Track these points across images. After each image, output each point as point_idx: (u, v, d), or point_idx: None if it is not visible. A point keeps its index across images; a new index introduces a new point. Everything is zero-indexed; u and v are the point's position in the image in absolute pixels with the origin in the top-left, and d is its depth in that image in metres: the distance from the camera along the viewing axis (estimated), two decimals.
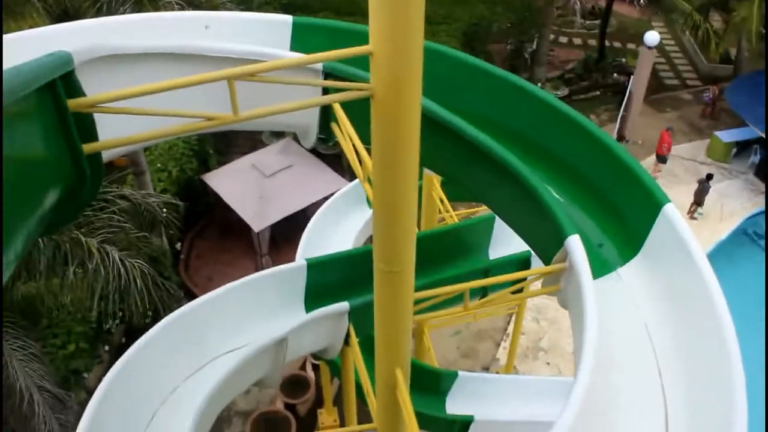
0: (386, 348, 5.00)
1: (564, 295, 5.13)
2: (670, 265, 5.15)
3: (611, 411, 4.72)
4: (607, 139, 5.64)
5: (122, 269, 9.33)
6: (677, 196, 18.98)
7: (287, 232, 17.50)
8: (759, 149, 20.46)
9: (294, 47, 6.49)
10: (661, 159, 20.00)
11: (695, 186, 19.09)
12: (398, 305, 4.54)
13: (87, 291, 9.31)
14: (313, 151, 18.38)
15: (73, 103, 3.37)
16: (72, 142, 3.47)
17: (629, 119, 19.84)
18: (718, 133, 21.12)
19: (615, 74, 25.24)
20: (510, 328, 14.46)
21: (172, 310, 7.30)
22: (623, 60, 26.05)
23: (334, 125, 5.68)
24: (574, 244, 4.78)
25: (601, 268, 5.40)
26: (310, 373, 14.09)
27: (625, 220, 5.56)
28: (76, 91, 3.53)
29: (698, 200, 18.76)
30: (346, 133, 4.92)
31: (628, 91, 19.81)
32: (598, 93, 24.45)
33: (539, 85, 23.62)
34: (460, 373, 10.22)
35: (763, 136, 18.70)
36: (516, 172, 5.07)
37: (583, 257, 4.71)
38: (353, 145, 4.64)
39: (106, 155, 4.78)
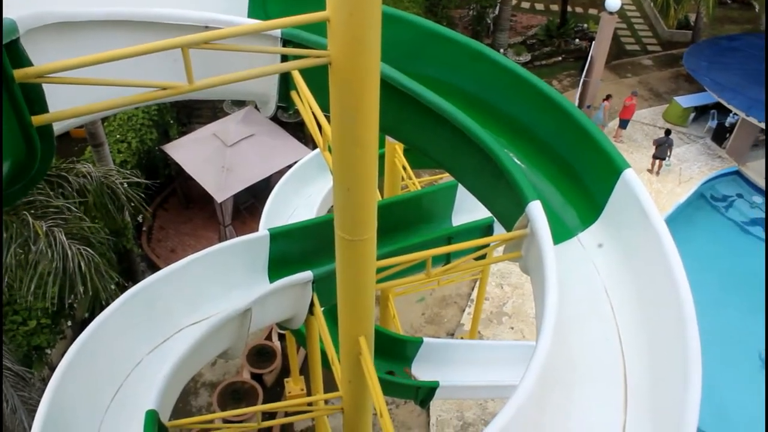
0: (350, 317, 5.00)
1: (526, 261, 5.16)
2: (629, 229, 5.20)
3: (572, 375, 4.79)
4: (567, 105, 5.64)
5: (69, 252, 9.13)
6: (638, 160, 19.31)
7: (250, 202, 17.41)
8: (716, 114, 20.78)
9: (252, 14, 6.36)
10: (624, 124, 20.24)
11: (669, 166, 19.41)
12: (361, 274, 4.52)
13: (30, 270, 9.11)
14: (275, 119, 18.19)
15: (19, 73, 3.24)
16: (20, 114, 3.34)
17: (591, 85, 19.95)
18: (677, 99, 21.39)
19: (577, 40, 25.34)
20: (474, 294, 14.62)
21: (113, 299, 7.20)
22: (585, 26, 26.13)
23: (293, 93, 5.60)
24: (535, 210, 4.80)
25: (561, 233, 5.44)
26: (276, 343, 14.10)
27: (586, 185, 5.59)
28: (22, 60, 3.39)
29: (661, 155, 19.14)
30: (305, 101, 4.85)
31: (589, 57, 19.88)
32: (560, 59, 24.53)
33: (501, 51, 23.59)
34: (425, 339, 10.32)
35: (721, 101, 18.97)
36: (477, 139, 5.05)
37: (543, 223, 4.73)
38: (313, 113, 4.58)
39: (59, 127, 4.65)
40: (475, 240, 5.35)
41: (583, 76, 20.06)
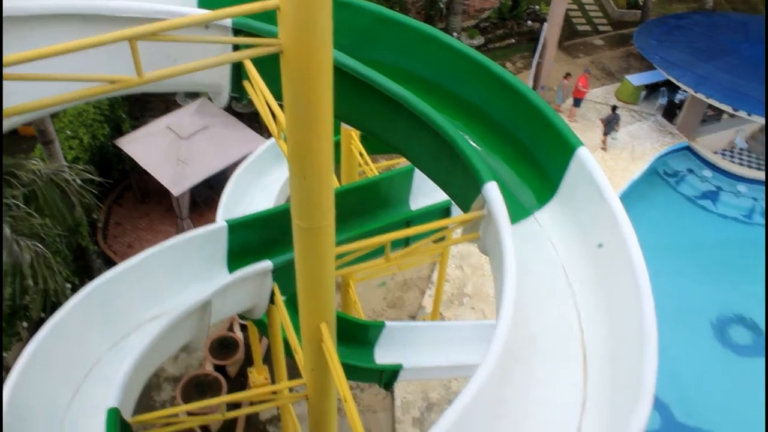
0: (310, 304, 5.00)
1: (484, 241, 5.22)
2: (584, 206, 5.29)
3: (532, 352, 4.86)
4: (520, 86, 5.69)
5: (17, 248, 8.92)
6: (592, 139, 19.60)
7: (207, 195, 17.20)
8: (666, 91, 21.17)
9: (202, 4, 6.26)
10: (577, 102, 20.53)
11: (616, 140, 19.79)
12: (320, 261, 4.52)
13: None
14: (230, 110, 17.96)
15: None
16: None
17: (544, 66, 20.13)
18: (628, 77, 21.71)
19: (529, 22, 25.49)
20: (435, 277, 14.72)
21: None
22: (537, 7, 26.30)
23: (246, 83, 5.55)
24: (491, 190, 4.85)
25: (518, 212, 5.51)
26: (239, 334, 14.02)
27: (541, 164, 5.66)
28: None
29: (608, 131, 19.55)
30: (258, 90, 4.81)
31: (541, 39, 20.05)
32: (513, 41, 24.66)
33: (455, 34, 23.62)
34: (387, 323, 10.36)
35: (670, 78, 19.33)
36: (432, 123, 5.07)
37: (500, 204, 4.78)
38: (267, 103, 4.54)
39: (6, 124, 4.53)
40: (434, 222, 5.38)
41: (536, 57, 20.22)
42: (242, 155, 14.99)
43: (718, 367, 14.73)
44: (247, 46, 3.62)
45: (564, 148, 5.32)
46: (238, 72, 5.49)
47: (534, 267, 5.20)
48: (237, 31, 5.22)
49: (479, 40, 23.95)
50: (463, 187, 5.20)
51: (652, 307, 4.44)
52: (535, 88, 20.52)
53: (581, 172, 5.22)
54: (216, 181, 15.97)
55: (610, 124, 19.39)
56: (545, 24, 19.87)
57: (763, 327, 15.50)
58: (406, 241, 7.73)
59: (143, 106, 19.54)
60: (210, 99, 16.03)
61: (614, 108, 19.67)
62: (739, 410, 13.82)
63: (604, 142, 19.72)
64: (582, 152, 5.22)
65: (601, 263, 5.04)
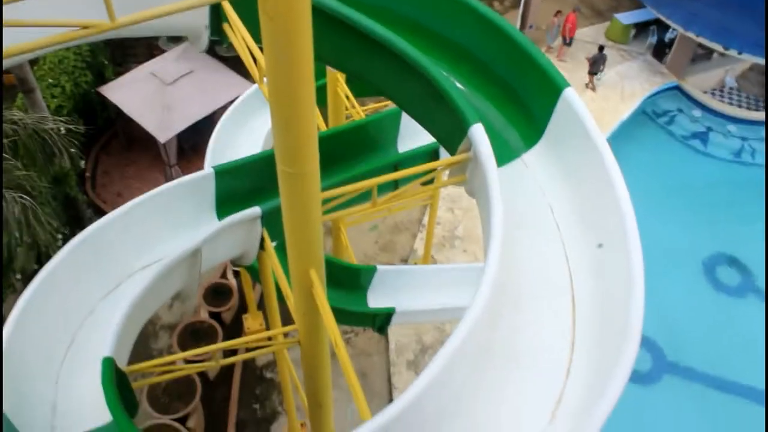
0: (298, 250, 4.99)
1: (471, 184, 5.20)
2: (571, 147, 5.26)
3: (521, 293, 4.91)
4: (506, 26, 5.60)
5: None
6: (581, 79, 19.45)
7: (195, 141, 17.06)
8: (656, 30, 20.91)
9: None
10: (566, 41, 20.28)
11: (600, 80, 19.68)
12: (306, 207, 4.49)
13: None
14: (215, 54, 17.67)
15: None
16: None
17: (532, 4, 19.80)
18: (617, 16, 21.43)
19: None
20: (426, 220, 14.75)
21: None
22: None
23: (226, 26, 5.43)
24: (477, 132, 4.80)
25: (506, 154, 5.48)
26: (232, 281, 14.09)
27: (527, 106, 5.61)
28: None
29: (594, 70, 19.44)
30: (238, 33, 4.71)
31: None
32: None
33: None
34: (379, 267, 10.41)
35: (660, 17, 19.06)
36: (416, 64, 4.99)
37: (486, 146, 4.75)
38: (247, 46, 4.45)
39: None
40: (421, 165, 5.35)
41: None
42: (228, 100, 14.84)
43: (707, 307, 14.96)
44: None
45: (550, 90, 5.26)
46: (217, 15, 5.37)
47: (521, 209, 5.21)
48: None
49: None
50: (449, 130, 5.14)
51: (638, 247, 4.46)
52: (523, 27, 20.23)
53: (568, 114, 5.18)
54: (203, 126, 15.82)
55: (596, 63, 19.27)
56: None
57: (750, 265, 15.68)
58: (394, 185, 7.70)
59: (125, 51, 19.19)
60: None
61: (601, 47, 19.51)
62: (728, 349, 14.11)
63: (590, 81, 19.58)
64: (569, 93, 5.16)
65: (589, 204, 5.05)
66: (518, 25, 20.30)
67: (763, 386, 13.28)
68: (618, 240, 4.60)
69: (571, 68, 20.00)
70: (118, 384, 5.44)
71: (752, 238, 16.15)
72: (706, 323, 14.64)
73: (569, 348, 4.67)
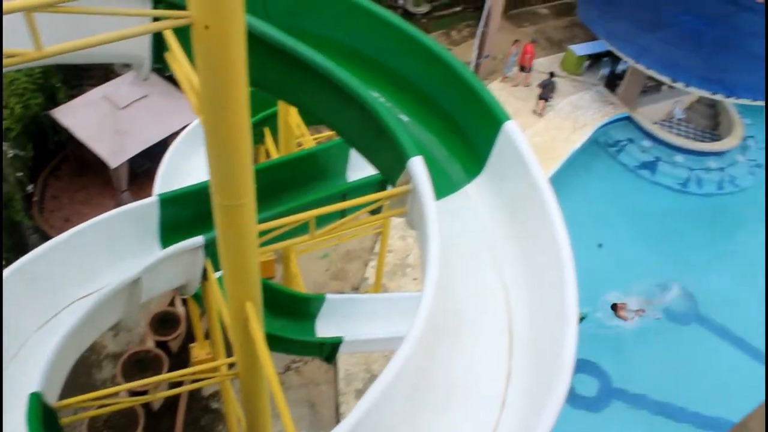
0: (235, 283, 4.91)
1: (410, 216, 5.19)
2: (511, 180, 5.30)
3: (459, 325, 4.89)
4: (449, 59, 5.64)
5: None
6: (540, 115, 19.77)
7: (148, 166, 16.78)
8: (609, 62, 21.38)
9: None
10: (523, 69, 20.62)
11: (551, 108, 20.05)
12: (242, 239, 4.42)
13: None
14: (170, 79, 17.49)
15: None
16: None
17: (489, 35, 20.07)
18: (572, 47, 21.82)
19: None
20: (378, 247, 14.71)
21: None
22: None
23: (168, 55, 5.35)
24: (416, 165, 4.80)
25: (447, 186, 5.50)
26: (180, 309, 13.82)
27: (469, 138, 5.65)
28: None
29: (545, 96, 19.82)
30: (179, 62, 4.64)
31: (486, 7, 19.96)
32: (458, 9, 24.49)
33: (401, 2, 23.40)
34: (328, 295, 10.32)
35: (612, 49, 19.50)
36: (357, 96, 4.98)
37: (425, 178, 4.74)
38: (188, 75, 4.38)
39: None
40: (363, 197, 5.32)
41: (481, 26, 20.14)
42: (182, 125, 14.62)
43: (654, 334, 15.16)
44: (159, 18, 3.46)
45: (491, 122, 5.30)
46: (159, 43, 5.29)
47: (462, 241, 5.21)
48: (158, 1, 5.03)
49: (425, 7, 23.74)
50: (390, 162, 5.14)
51: (573, 281, 4.49)
52: (479, 57, 20.48)
53: (508, 147, 5.22)
54: (156, 151, 15.55)
55: (546, 88, 19.65)
56: None
57: (695, 292, 15.99)
58: (341, 214, 7.66)
59: (79, 74, 18.88)
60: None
61: (551, 74, 19.93)
62: (674, 375, 14.29)
63: (540, 106, 19.97)
64: (509, 126, 5.21)
65: (527, 238, 5.08)
66: (474, 54, 20.56)
67: (706, 412, 13.49)
68: (553, 274, 4.62)
69: (525, 96, 20.33)
70: (45, 421, 5.24)
71: (697, 266, 16.50)
72: (652, 349, 14.82)
73: (505, 380, 4.67)
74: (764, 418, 12.01)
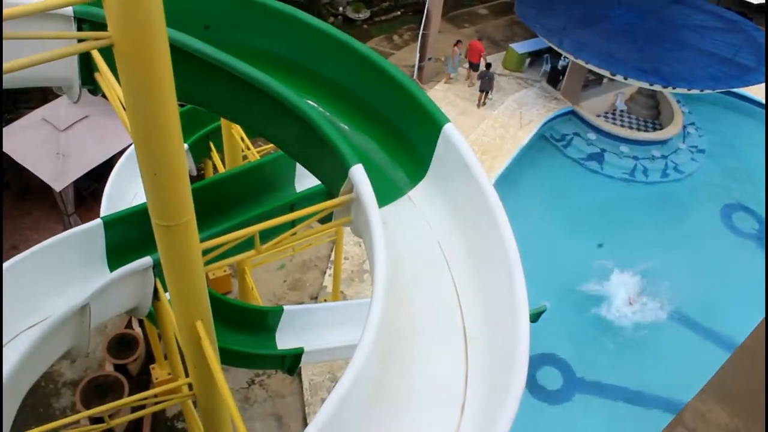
0: (183, 303, 4.84)
1: (356, 224, 5.19)
2: (454, 182, 5.34)
3: (413, 331, 4.89)
4: (384, 65, 5.66)
5: None
6: (481, 107, 19.95)
7: (93, 187, 16.51)
8: (549, 58, 21.75)
9: None
10: (474, 66, 20.82)
11: (495, 97, 20.30)
12: (185, 259, 4.36)
13: None
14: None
15: None
16: None
17: (430, 37, 20.23)
18: (512, 45, 22.14)
19: None
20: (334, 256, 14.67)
21: None
22: None
23: (98, 75, 5.26)
24: (357, 173, 4.80)
25: (392, 192, 5.52)
26: (138, 330, 13.57)
27: (410, 143, 5.67)
28: None
29: (485, 88, 20.19)
30: (109, 82, 4.57)
31: (426, 10, 20.11)
32: (398, 13, 24.66)
33: (341, 9, 23.43)
34: (285, 307, 10.26)
35: (552, 46, 19.83)
36: (293, 106, 4.97)
37: (366, 186, 4.75)
38: (119, 95, 4.31)
39: None
40: (307, 208, 5.29)
41: (422, 29, 20.30)
42: (126, 144, 14.42)
43: (613, 323, 15.43)
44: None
45: (431, 126, 5.34)
46: (87, 64, 5.20)
47: (410, 246, 5.23)
48: (81, 21, 4.94)
49: (365, 13, 23.83)
50: (331, 171, 5.13)
51: (522, 280, 4.54)
52: (422, 60, 20.63)
53: (449, 149, 5.26)
54: (101, 172, 15.28)
55: (484, 80, 19.99)
56: None
57: (648, 278, 16.32)
58: (291, 225, 7.62)
59: (15, 97, 18.43)
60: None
61: (488, 65, 20.26)
62: (636, 363, 14.57)
63: (482, 98, 20.28)
64: (448, 129, 5.25)
65: (473, 238, 5.12)
66: (417, 57, 20.70)
67: (671, 397, 13.77)
68: (502, 272, 4.67)
69: (470, 96, 20.55)
70: None
71: (651, 253, 16.84)
72: (614, 339, 15.09)
73: (463, 383, 4.68)
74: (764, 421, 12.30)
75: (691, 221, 18.51)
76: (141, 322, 13.54)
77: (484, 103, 20.30)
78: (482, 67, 20.40)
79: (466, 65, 21.34)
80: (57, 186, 14.77)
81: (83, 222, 15.02)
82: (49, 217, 16.63)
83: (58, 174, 14.88)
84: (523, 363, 4.21)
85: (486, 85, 20.10)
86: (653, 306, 15.80)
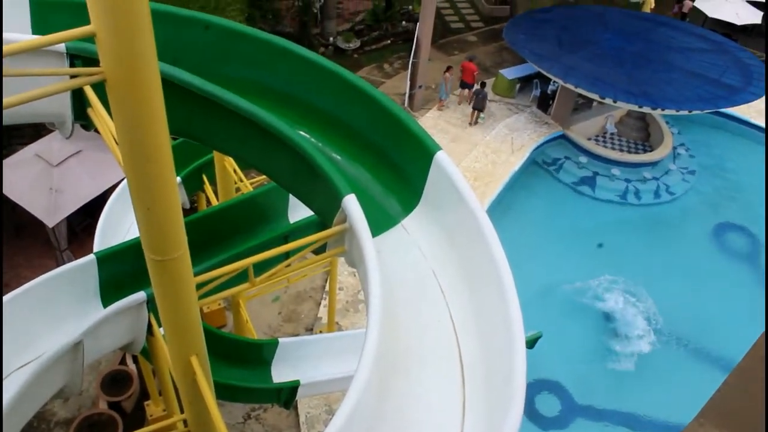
0: (177, 337, 4.80)
1: (350, 254, 5.17)
2: (447, 210, 5.34)
3: (409, 360, 4.86)
4: (375, 94, 5.70)
5: None
6: (472, 133, 20.07)
7: (87, 222, 16.46)
8: (539, 83, 21.92)
9: (37, 29, 5.92)
10: (467, 86, 21.05)
11: (486, 123, 20.45)
12: (179, 293, 4.34)
13: None
14: None
15: None
16: None
17: (420, 65, 20.38)
18: (502, 71, 22.33)
19: (403, 22, 25.80)
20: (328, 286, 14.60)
21: None
22: (410, 7, 26.65)
23: (90, 111, 5.27)
24: (350, 204, 4.80)
25: (385, 221, 5.51)
26: (132, 366, 13.43)
27: (403, 171, 5.68)
28: None
29: (478, 107, 20.45)
30: (101, 118, 4.58)
31: (416, 39, 20.29)
32: (389, 42, 24.89)
33: (331, 39, 23.63)
34: (281, 340, 10.19)
35: (541, 71, 20.01)
36: (283, 137, 4.98)
37: (360, 216, 4.74)
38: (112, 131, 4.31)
39: None
40: (301, 240, 5.28)
41: (412, 57, 20.46)
42: (118, 179, 14.40)
43: (608, 349, 15.36)
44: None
45: (423, 154, 5.35)
46: (80, 100, 5.21)
47: (404, 275, 5.21)
48: (73, 57, 4.96)
49: (355, 43, 24.04)
50: (324, 202, 5.13)
51: (516, 305, 4.53)
52: (412, 88, 20.76)
53: (441, 177, 5.27)
54: (94, 207, 15.27)
55: (478, 98, 20.24)
56: (419, 24, 20.13)
57: (648, 303, 16.30)
58: (286, 256, 7.60)
59: (9, 132, 18.44)
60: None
61: (482, 84, 20.62)
62: (635, 390, 14.48)
63: (471, 116, 20.55)
64: (440, 157, 5.27)
65: (467, 265, 5.10)
66: (407, 86, 20.84)
67: (669, 421, 13.67)
68: (497, 299, 4.65)
69: (461, 123, 20.65)
70: None
71: (647, 274, 16.83)
72: (611, 363, 15.01)
73: (461, 412, 4.65)
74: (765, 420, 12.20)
75: (684, 242, 18.52)
76: (135, 358, 13.41)
77: (476, 122, 20.50)
78: (477, 86, 20.66)
79: (458, 91, 21.51)
80: (50, 222, 14.72)
81: (76, 258, 14.98)
82: (42, 254, 16.55)
83: (51, 209, 14.84)
84: (521, 390, 4.18)
85: (479, 103, 20.35)
86: (649, 328, 15.75)
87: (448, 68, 20.95)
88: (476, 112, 20.54)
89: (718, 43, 22.09)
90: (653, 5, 26.83)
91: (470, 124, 20.50)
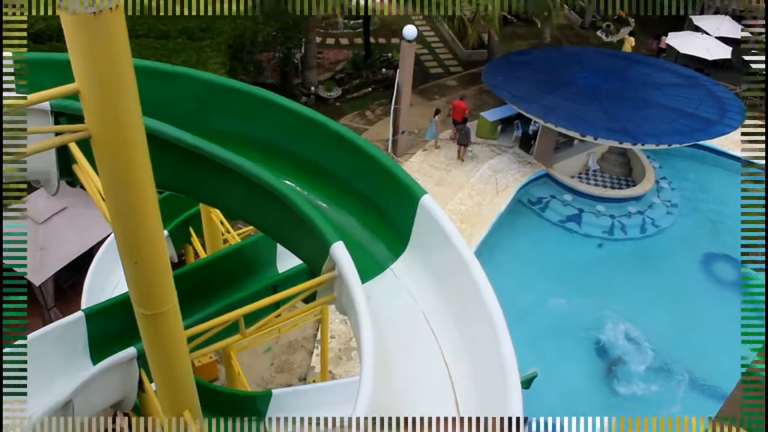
0: (169, 392, 4.76)
1: (340, 302, 5.18)
2: (435, 253, 5.37)
3: (404, 405, 4.83)
4: (358, 141, 5.77)
5: None
6: (457, 176, 20.24)
7: (74, 279, 16.32)
8: (520, 124, 22.22)
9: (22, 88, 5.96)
10: (458, 124, 21.42)
11: (470, 166, 20.65)
12: (169, 347, 4.31)
13: None
14: None
15: None
16: None
17: (401, 111, 20.63)
18: (483, 114, 22.64)
19: (384, 69, 26.18)
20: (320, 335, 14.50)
21: None
22: (390, 55, 27.08)
23: (76, 167, 5.30)
24: (338, 251, 4.83)
25: (374, 267, 5.52)
26: (123, 420, 13.19)
27: (389, 216, 5.72)
28: None
29: (463, 142, 20.92)
30: (86, 174, 4.61)
31: (396, 85, 20.57)
32: (370, 89, 25.19)
33: (312, 88, 23.90)
34: (274, 391, 10.07)
35: (521, 111, 20.31)
36: (269, 187, 5.02)
37: (348, 263, 4.76)
38: (98, 187, 4.34)
39: None
40: (290, 289, 5.28)
41: (393, 103, 20.72)
42: (105, 235, 14.34)
43: (600, 384, 15.29)
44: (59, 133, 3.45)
45: (408, 199, 5.40)
46: (65, 156, 5.24)
47: (395, 319, 5.21)
48: (58, 114, 5.01)
49: (336, 91, 24.33)
50: (312, 250, 5.15)
51: (509, 345, 4.53)
52: (395, 133, 20.98)
53: (427, 220, 5.31)
54: (81, 263, 15.18)
55: (461, 134, 20.73)
56: (399, 70, 20.44)
57: (640, 335, 16.29)
58: (276, 306, 7.57)
59: None
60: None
61: (464, 120, 21.03)
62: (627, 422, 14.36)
63: (458, 152, 21.00)
64: (426, 200, 5.32)
65: (458, 307, 5.12)
66: (390, 132, 21.06)
67: None
68: (489, 340, 4.66)
69: (446, 166, 20.83)
70: None
71: (634, 308, 16.87)
72: (606, 398, 14.93)
73: None
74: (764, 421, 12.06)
75: (672, 274, 18.60)
76: (126, 415, 13.18)
77: (463, 159, 20.98)
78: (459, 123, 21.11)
79: (445, 135, 21.81)
80: (36, 280, 14.61)
81: (64, 315, 14.82)
82: (29, 312, 16.35)
83: (37, 268, 14.74)
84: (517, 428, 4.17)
85: (464, 139, 20.78)
86: (642, 362, 15.72)
87: (437, 112, 21.26)
88: (463, 147, 20.95)
89: (692, 77, 22.59)
90: (634, 44, 27.50)
91: (458, 158, 21.02)
